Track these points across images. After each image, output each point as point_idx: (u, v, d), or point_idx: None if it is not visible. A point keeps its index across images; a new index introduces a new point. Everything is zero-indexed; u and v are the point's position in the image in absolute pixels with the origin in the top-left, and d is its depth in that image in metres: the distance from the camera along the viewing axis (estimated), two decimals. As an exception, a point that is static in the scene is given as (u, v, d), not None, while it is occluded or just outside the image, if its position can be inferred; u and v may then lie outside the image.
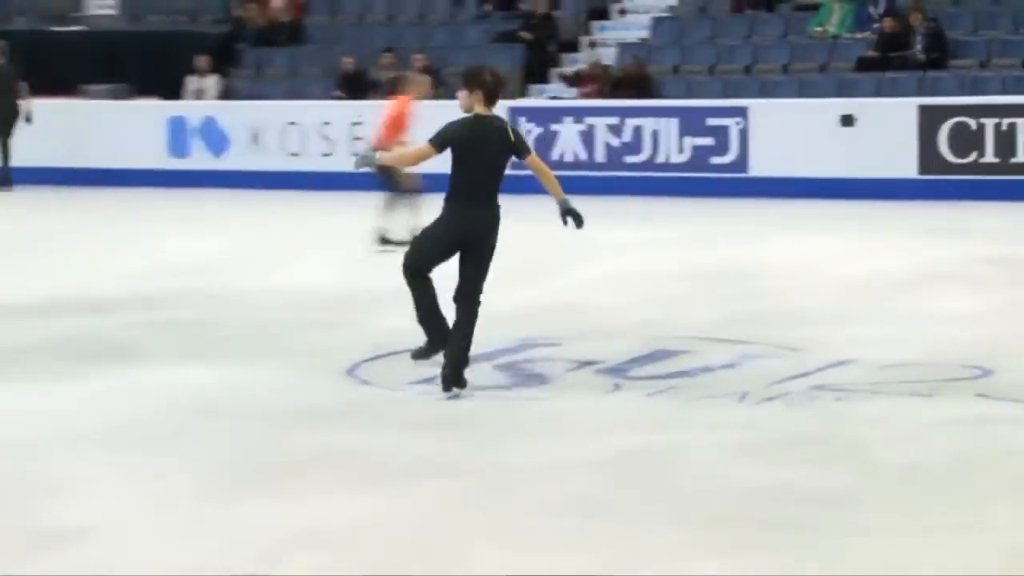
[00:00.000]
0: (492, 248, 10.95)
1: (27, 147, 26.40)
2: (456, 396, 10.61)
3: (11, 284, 15.52)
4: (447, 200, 10.98)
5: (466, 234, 10.86)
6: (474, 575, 7.13)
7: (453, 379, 10.61)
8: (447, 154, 10.89)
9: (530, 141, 14.33)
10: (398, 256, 11.65)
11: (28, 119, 26.59)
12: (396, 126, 18.81)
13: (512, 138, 11.09)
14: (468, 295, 10.92)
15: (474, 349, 11.94)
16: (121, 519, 8.08)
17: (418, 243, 11.46)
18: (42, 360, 11.98)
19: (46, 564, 7.39)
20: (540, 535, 7.68)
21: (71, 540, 7.73)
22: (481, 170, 10.93)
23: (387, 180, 18.36)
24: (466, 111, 10.95)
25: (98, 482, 8.72)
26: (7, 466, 9.05)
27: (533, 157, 11.47)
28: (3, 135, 26.53)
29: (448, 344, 10.89)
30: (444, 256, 11.00)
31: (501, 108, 23.97)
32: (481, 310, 13.66)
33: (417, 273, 11.03)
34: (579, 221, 11.46)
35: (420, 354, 11.21)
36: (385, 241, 18.04)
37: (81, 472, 8.92)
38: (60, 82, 27.23)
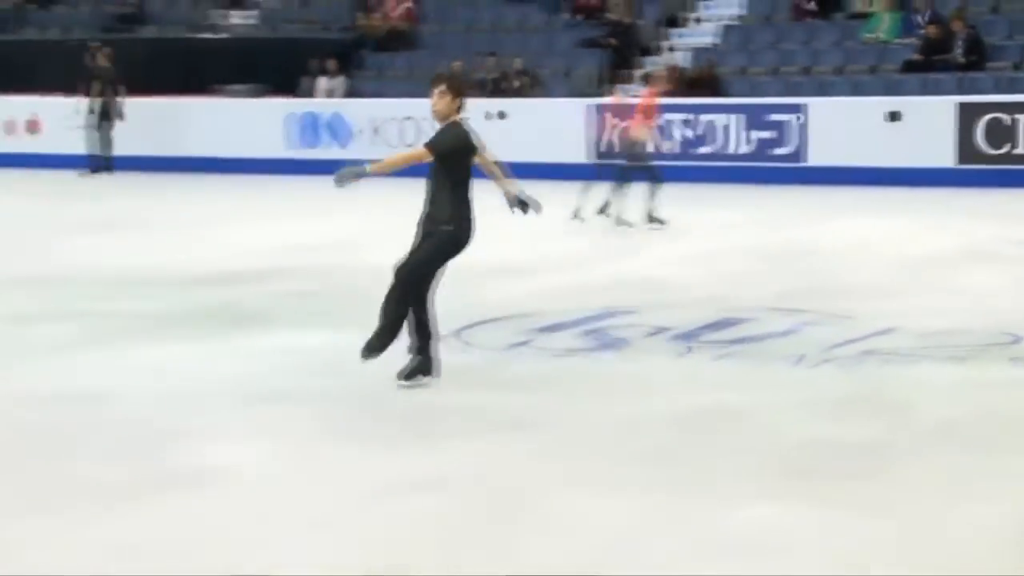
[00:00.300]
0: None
1: (171, 139, 26.71)
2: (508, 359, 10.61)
3: (162, 260, 15.70)
4: (453, 218, 10.21)
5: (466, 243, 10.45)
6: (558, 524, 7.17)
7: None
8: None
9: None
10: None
11: (120, 116, 27.03)
12: (648, 114, 18.82)
13: (476, 140, 10.39)
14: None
15: (563, 316, 12.04)
16: (259, 461, 8.20)
17: (428, 268, 10.20)
18: (189, 325, 12.10)
19: (195, 497, 7.51)
20: (620, 481, 7.76)
21: (218, 476, 7.94)
22: (468, 176, 10.40)
23: (632, 166, 18.24)
24: (444, 117, 10.27)
25: (237, 429, 8.87)
26: (163, 414, 9.23)
27: (487, 153, 10.74)
28: (104, 128, 26.92)
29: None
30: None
31: (583, 105, 24.40)
32: (568, 282, 13.76)
33: (422, 297, 10.06)
34: (525, 209, 10.85)
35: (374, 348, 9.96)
36: (622, 223, 17.90)
37: (222, 420, 9.08)
38: (204, 83, 27.43)
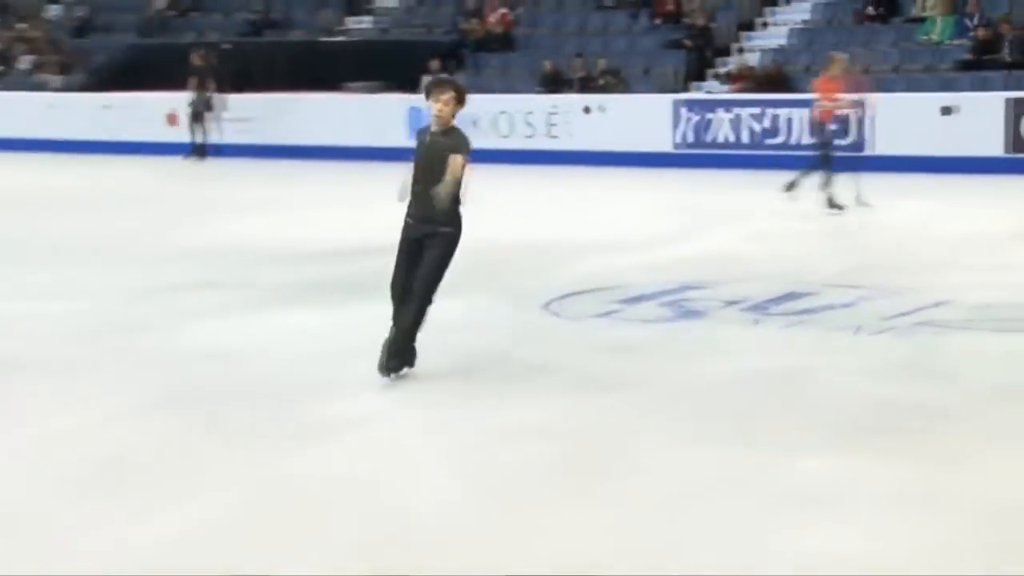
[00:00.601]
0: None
1: (295, 130, 26.87)
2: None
3: (293, 236, 15.82)
4: (454, 219, 9.28)
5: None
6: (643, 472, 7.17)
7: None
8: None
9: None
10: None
11: (211, 108, 27.49)
12: (830, 97, 18.75)
13: None
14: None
15: (645, 289, 12.02)
16: (387, 412, 8.28)
17: (442, 274, 9.40)
18: (317, 294, 12.17)
19: (329, 443, 7.59)
20: (700, 436, 7.74)
21: (351, 426, 8.04)
22: None
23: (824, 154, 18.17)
24: (446, 122, 9.41)
25: (366, 385, 8.87)
26: (297, 371, 9.30)
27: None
28: (199, 120, 27.34)
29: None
30: None
31: (668, 100, 24.36)
32: (650, 258, 13.72)
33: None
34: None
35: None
36: (833, 205, 17.58)
37: (351, 377, 9.09)
38: (326, 81, 27.63)
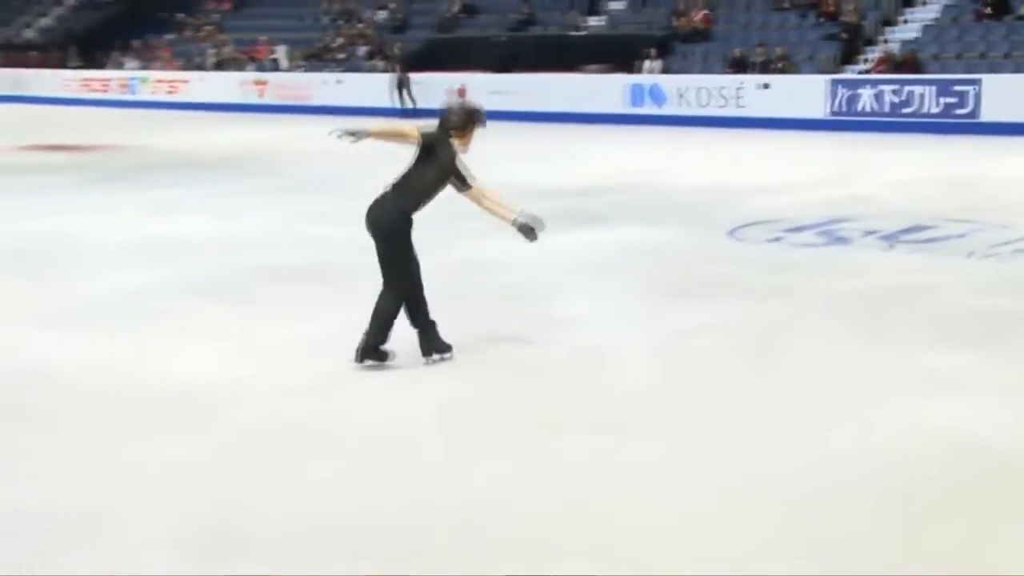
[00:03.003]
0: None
1: (548, 101, 26.96)
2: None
3: (543, 179, 15.80)
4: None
5: None
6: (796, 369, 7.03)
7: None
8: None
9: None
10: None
11: (404, 85, 28.90)
12: None
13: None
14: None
15: (804, 221, 11.80)
16: (603, 313, 8.25)
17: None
18: (557, 221, 12.17)
19: (561, 332, 7.57)
20: (838, 334, 7.59)
21: (572, 323, 7.95)
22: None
23: None
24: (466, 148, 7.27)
25: (581, 292, 8.89)
26: (540, 279, 9.30)
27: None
28: (401, 92, 28.89)
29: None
30: None
31: (826, 79, 23.86)
32: (808, 199, 13.45)
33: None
34: (530, 236, 7.39)
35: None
36: None
37: (569, 286, 9.09)
38: (569, 64, 27.76)
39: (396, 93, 29.11)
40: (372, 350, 6.65)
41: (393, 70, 29.76)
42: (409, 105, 28.72)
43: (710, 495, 4.91)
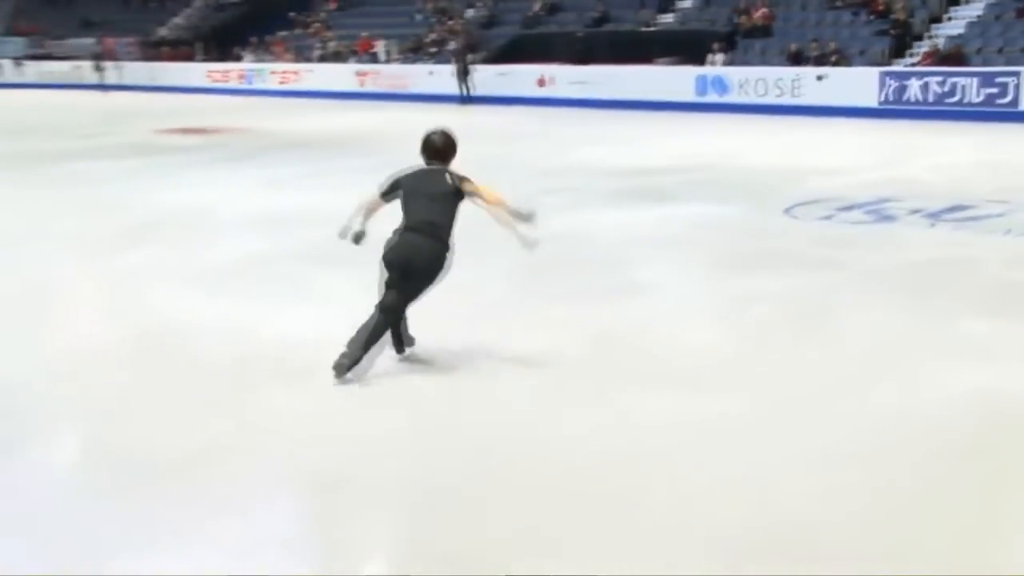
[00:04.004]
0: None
1: (621, 90, 26.77)
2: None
3: (616, 159, 15.73)
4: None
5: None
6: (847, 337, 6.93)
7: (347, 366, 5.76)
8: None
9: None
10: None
11: (466, 74, 28.59)
12: None
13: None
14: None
15: (854, 200, 11.60)
16: (670, 281, 8.21)
17: None
18: (628, 198, 12.14)
19: (629, 299, 7.54)
20: (885, 303, 7.48)
21: (645, 290, 7.92)
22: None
23: None
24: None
25: (653, 262, 8.84)
26: (612, 250, 9.28)
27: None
28: (463, 79, 28.54)
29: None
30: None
31: (876, 72, 23.41)
32: (858, 180, 13.24)
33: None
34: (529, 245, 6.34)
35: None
36: None
37: (642, 257, 9.05)
38: (642, 57, 27.54)
39: (458, 81, 28.89)
40: (350, 367, 5.78)
41: (455, 60, 29.47)
42: (468, 92, 28.66)
43: (774, 448, 4.90)
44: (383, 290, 5.99)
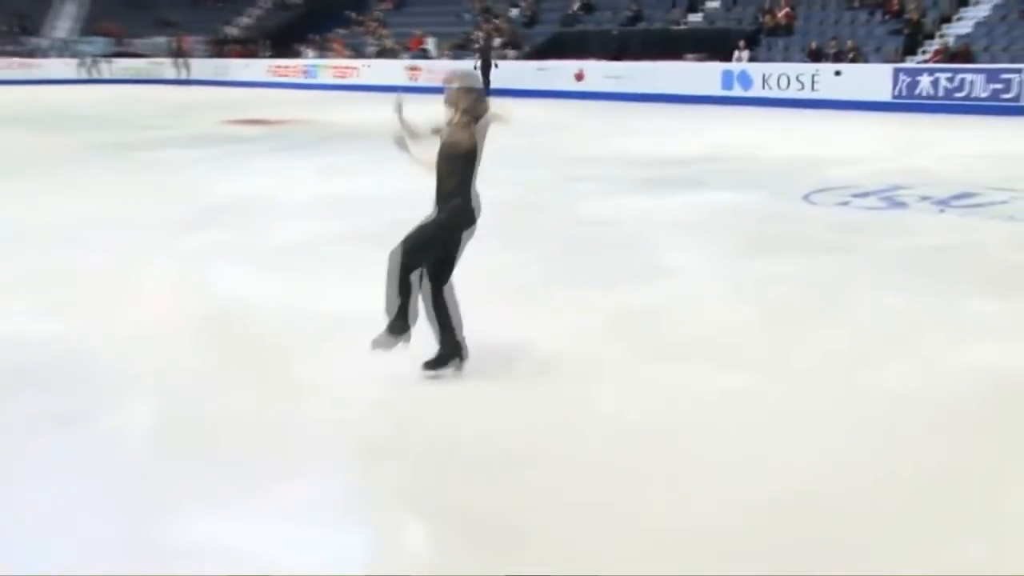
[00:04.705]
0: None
1: (653, 84, 26.60)
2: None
3: (645, 149, 15.65)
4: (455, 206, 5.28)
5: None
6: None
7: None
8: None
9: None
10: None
11: (489, 66, 27.98)
12: None
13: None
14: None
15: (868, 188, 11.48)
16: (691, 264, 8.15)
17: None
18: (656, 186, 12.06)
19: (649, 282, 7.49)
20: (896, 284, 7.39)
21: (671, 270, 7.85)
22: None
23: None
24: (456, 120, 5.32)
25: (679, 244, 8.80)
26: (639, 235, 9.20)
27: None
28: (483, 73, 27.27)
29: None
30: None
31: (890, 68, 23.13)
32: (872, 169, 13.08)
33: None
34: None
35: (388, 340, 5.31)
36: None
37: (668, 239, 8.98)
38: (672, 53, 27.39)
39: (482, 75, 28.26)
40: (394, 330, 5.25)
41: (479, 56, 29.06)
42: (488, 86, 28.33)
43: (789, 417, 4.85)
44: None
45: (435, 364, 5.33)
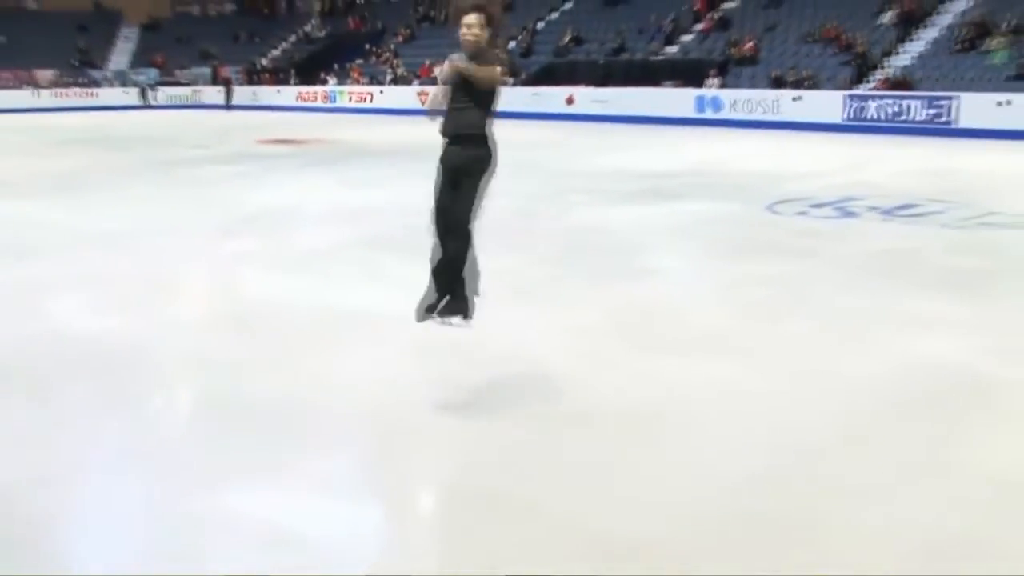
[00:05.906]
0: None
1: (636, 107, 26.54)
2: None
3: (633, 164, 15.59)
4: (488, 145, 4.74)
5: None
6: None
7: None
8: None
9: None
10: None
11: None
12: None
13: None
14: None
15: (823, 199, 11.43)
16: (676, 266, 8.11)
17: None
18: (641, 197, 12.00)
19: (639, 282, 7.44)
20: (851, 285, 7.33)
21: (655, 273, 7.80)
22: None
23: None
24: (475, 46, 4.86)
25: (662, 250, 8.73)
26: (628, 239, 9.15)
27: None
28: None
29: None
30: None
31: (841, 94, 23.02)
32: (826, 183, 13.04)
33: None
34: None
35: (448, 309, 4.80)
36: None
37: (652, 245, 8.92)
38: (651, 81, 27.41)
39: None
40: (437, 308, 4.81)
41: None
42: None
43: (761, 398, 4.84)
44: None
45: (442, 310, 4.73)
